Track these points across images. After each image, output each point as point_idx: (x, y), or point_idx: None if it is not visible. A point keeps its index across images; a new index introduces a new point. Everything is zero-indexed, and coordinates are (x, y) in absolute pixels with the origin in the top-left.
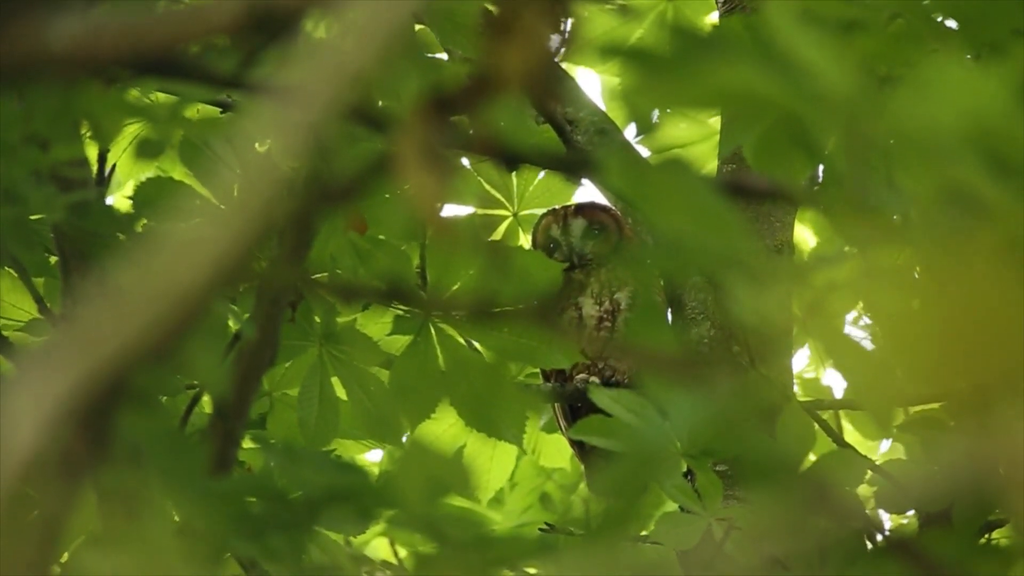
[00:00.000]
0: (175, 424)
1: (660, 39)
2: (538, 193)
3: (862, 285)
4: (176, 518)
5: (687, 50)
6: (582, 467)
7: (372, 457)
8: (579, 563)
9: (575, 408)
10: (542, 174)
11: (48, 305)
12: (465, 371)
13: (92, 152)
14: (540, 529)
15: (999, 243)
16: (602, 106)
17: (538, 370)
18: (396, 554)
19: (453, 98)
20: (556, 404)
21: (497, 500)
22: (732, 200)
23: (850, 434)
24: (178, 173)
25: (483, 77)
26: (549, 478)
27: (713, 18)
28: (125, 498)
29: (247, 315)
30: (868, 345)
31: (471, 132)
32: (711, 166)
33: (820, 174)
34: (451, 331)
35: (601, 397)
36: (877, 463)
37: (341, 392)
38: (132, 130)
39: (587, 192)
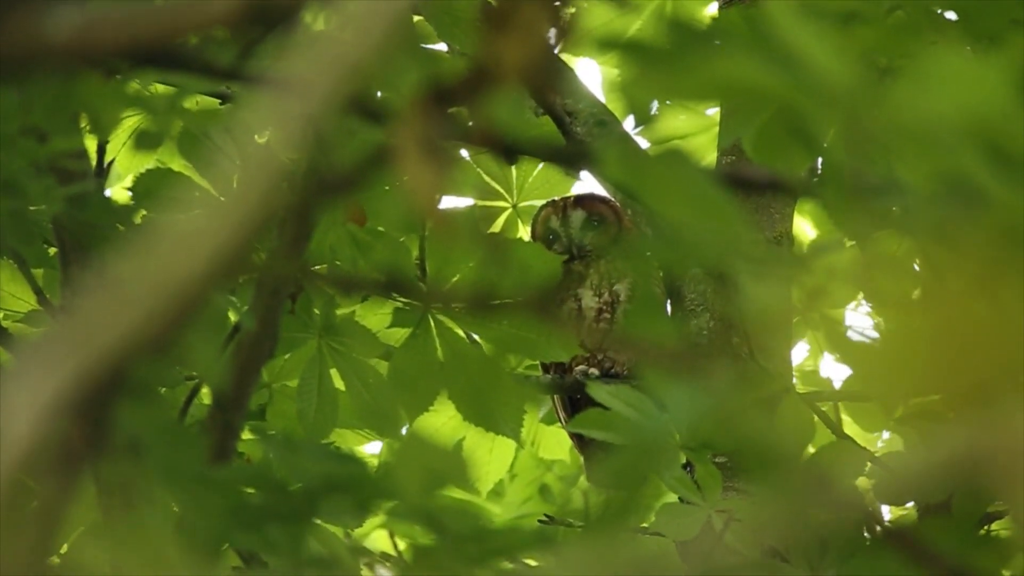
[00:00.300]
0: (174, 415)
1: (659, 31)
2: (537, 184)
3: (861, 276)
4: (175, 509)
5: (685, 42)
6: (581, 459)
7: (371, 449)
8: (578, 555)
9: (574, 400)
10: (541, 165)
11: (47, 296)
12: (464, 364)
13: (91, 144)
14: (539, 521)
15: (998, 234)
16: (601, 98)
17: (537, 362)
18: (396, 546)
19: (452, 90)
20: (555, 396)
21: (496, 492)
22: (731, 191)
23: (849, 425)
24: (177, 165)
25: (482, 69)
26: (548, 470)
27: (712, 10)
28: (124, 489)
29: (246, 307)
30: (869, 336)
31: (470, 124)
32: (710, 157)
33: (819, 166)
34: (450, 323)
35: (599, 392)
36: (876, 455)
37: (340, 384)
38: (131, 122)
39: (586, 184)
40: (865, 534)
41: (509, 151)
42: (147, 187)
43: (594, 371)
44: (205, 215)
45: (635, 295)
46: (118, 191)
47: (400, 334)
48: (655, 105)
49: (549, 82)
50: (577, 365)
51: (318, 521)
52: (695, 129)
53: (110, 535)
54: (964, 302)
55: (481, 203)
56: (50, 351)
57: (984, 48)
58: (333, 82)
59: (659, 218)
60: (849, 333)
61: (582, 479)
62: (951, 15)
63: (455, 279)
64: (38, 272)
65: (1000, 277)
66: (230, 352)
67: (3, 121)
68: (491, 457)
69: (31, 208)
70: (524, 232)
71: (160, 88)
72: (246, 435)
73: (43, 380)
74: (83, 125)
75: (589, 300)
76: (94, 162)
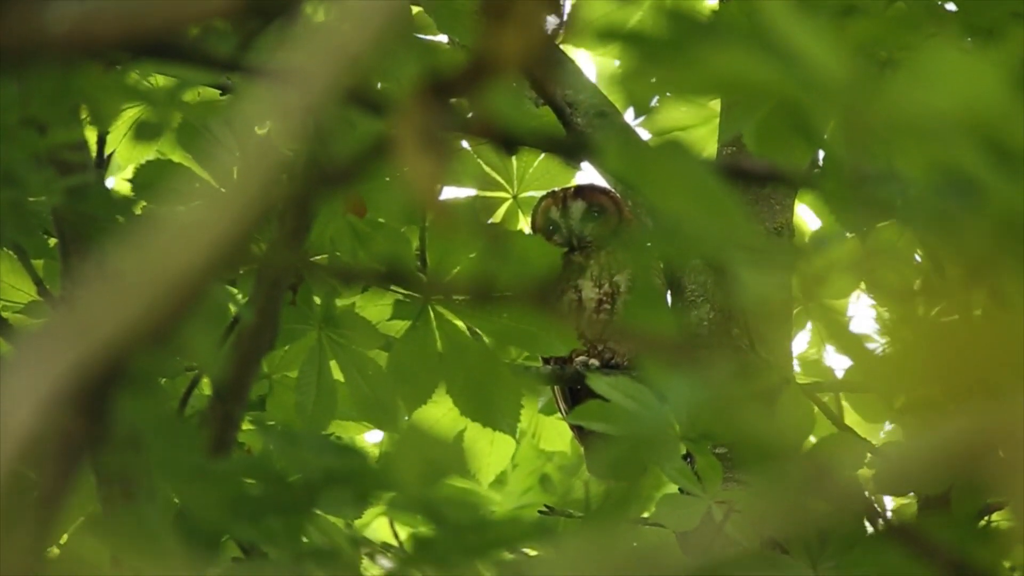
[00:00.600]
0: (174, 406)
1: (659, 23)
2: (538, 175)
3: (862, 267)
4: (174, 500)
5: (685, 35)
6: (582, 449)
7: (372, 438)
8: (578, 546)
9: (575, 390)
10: (542, 156)
11: (47, 287)
12: (463, 357)
13: (91, 135)
14: (539, 511)
15: (996, 226)
16: (602, 88)
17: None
18: (396, 535)
19: (451, 81)
20: (556, 386)
21: (499, 480)
22: (731, 183)
23: (850, 415)
24: (178, 156)
25: (481, 60)
26: (549, 460)
27: (712, 2)
28: (123, 480)
29: (246, 298)
30: (869, 332)
31: (469, 115)
32: (711, 148)
33: (821, 158)
34: (450, 316)
35: (599, 384)
36: (877, 445)
37: (339, 376)
38: (132, 114)
39: (587, 174)
40: (866, 525)
41: (509, 142)
42: (147, 178)
43: (594, 362)
44: (205, 206)
45: (635, 286)
46: (118, 182)
47: (400, 326)
48: (656, 97)
49: (549, 73)
50: (578, 356)
51: (318, 512)
52: (696, 120)
53: (109, 526)
54: (964, 295)
55: (482, 194)
56: (50, 342)
57: (983, 40)
58: (333, 73)
59: (659, 209)
60: (850, 326)
61: (583, 469)
62: (951, 6)
63: (455, 271)
64: (38, 263)
65: (998, 268)
66: (230, 343)
67: (3, 112)
68: (492, 449)
69: (31, 199)
70: (524, 223)
71: (160, 80)
72: (246, 426)
73: (43, 371)
74: (83, 116)
75: (589, 291)
76: (94, 153)
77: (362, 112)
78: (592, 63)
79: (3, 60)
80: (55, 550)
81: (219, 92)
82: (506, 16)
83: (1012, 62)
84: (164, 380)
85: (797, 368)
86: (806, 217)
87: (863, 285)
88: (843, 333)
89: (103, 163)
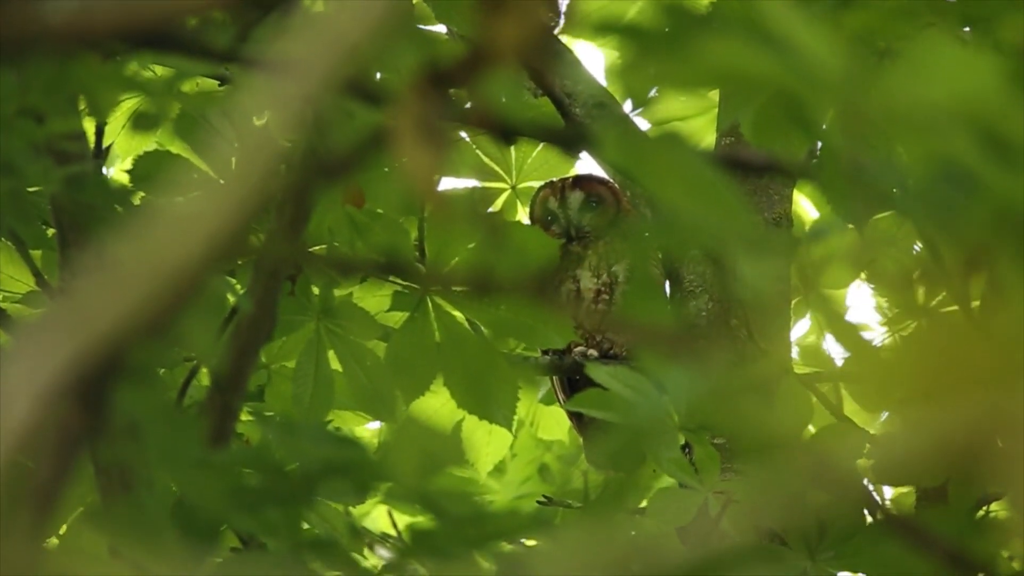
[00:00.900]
0: (172, 397)
1: (656, 15)
2: (537, 165)
3: (860, 257)
4: (173, 491)
5: (682, 27)
6: (580, 440)
7: (371, 427)
8: (576, 536)
9: (573, 381)
10: (541, 146)
11: (45, 277)
12: (461, 348)
13: (90, 126)
14: (538, 501)
15: (994, 217)
16: (602, 79)
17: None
18: (395, 524)
19: (450, 71)
20: (554, 377)
21: (499, 471)
22: (730, 173)
23: (849, 404)
24: (176, 147)
25: (479, 50)
26: (548, 450)
27: None
28: (122, 471)
29: (245, 289)
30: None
31: (468, 105)
32: (710, 138)
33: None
34: (449, 307)
35: (599, 373)
36: (875, 435)
37: (337, 366)
38: (130, 104)
39: (585, 165)
40: (864, 516)
41: (507, 132)
42: (146, 169)
43: (593, 352)
44: (203, 197)
45: (634, 276)
46: (117, 173)
47: (398, 317)
48: (654, 89)
49: (547, 63)
50: (576, 346)
51: (318, 500)
52: (695, 110)
53: (108, 516)
54: (962, 285)
55: (480, 184)
56: (48, 332)
57: (981, 30)
58: (331, 64)
59: (658, 200)
60: (848, 316)
61: (582, 459)
62: None
63: (454, 262)
64: (36, 253)
65: (996, 258)
66: (228, 334)
67: (1, 102)
68: (491, 438)
69: (29, 189)
70: (523, 213)
71: (159, 70)
72: (245, 416)
73: (41, 362)
74: (81, 107)
75: (587, 281)
76: (93, 144)
77: (360, 103)
78: (598, 53)
79: (1, 50)
80: (53, 541)
81: (217, 83)
82: (504, 6)
83: (1007, 54)
84: (163, 371)
85: (796, 357)
86: (805, 207)
87: (862, 275)
88: (841, 322)
89: (102, 153)
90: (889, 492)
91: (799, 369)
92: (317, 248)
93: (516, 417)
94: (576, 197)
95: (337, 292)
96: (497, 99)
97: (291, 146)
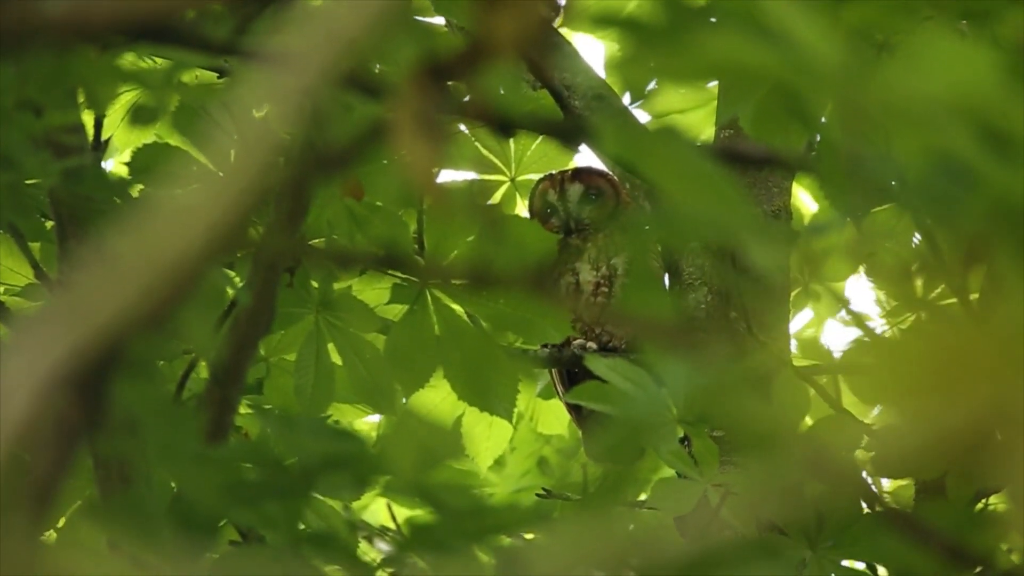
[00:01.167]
0: (171, 390)
1: (655, 8)
2: (536, 158)
3: (859, 250)
4: (172, 485)
5: (681, 20)
6: (579, 433)
7: (370, 420)
8: (575, 529)
9: (572, 374)
10: (539, 139)
11: (44, 270)
12: (460, 341)
13: (88, 118)
14: (537, 494)
15: (992, 211)
16: (601, 71)
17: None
18: (394, 518)
19: (448, 64)
20: (554, 370)
21: (499, 464)
22: (729, 166)
23: (847, 396)
24: (175, 139)
25: (478, 42)
26: (547, 443)
27: None
28: (120, 464)
29: (244, 281)
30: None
31: (467, 98)
32: (709, 131)
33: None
34: (448, 300)
35: (598, 366)
36: (874, 427)
37: (337, 359)
38: (129, 97)
39: (585, 157)
40: (862, 508)
41: (506, 125)
42: (145, 162)
43: (592, 345)
44: (202, 189)
45: (633, 269)
46: (116, 165)
47: (397, 310)
48: (653, 81)
49: (546, 56)
50: (575, 339)
51: (316, 495)
52: (694, 103)
53: (106, 510)
54: (960, 278)
55: (479, 177)
56: (47, 325)
57: (979, 24)
58: (330, 56)
59: (657, 192)
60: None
61: (581, 452)
62: None
63: (453, 254)
64: (35, 246)
65: (995, 252)
66: (227, 327)
67: None
68: (491, 432)
69: (28, 182)
70: (522, 206)
71: (160, 62)
72: (243, 410)
73: (40, 355)
74: (80, 99)
75: (587, 274)
76: (91, 136)
77: (359, 95)
78: (597, 45)
79: (0, 43)
80: (52, 534)
81: (216, 75)
82: None
83: (1004, 48)
84: (161, 363)
85: (795, 350)
86: (804, 200)
87: (861, 268)
88: (848, 307)
89: (100, 146)
90: (888, 485)
91: (798, 362)
92: (316, 241)
93: (515, 411)
94: (575, 190)
95: (336, 285)
96: (496, 92)
97: (290, 139)
